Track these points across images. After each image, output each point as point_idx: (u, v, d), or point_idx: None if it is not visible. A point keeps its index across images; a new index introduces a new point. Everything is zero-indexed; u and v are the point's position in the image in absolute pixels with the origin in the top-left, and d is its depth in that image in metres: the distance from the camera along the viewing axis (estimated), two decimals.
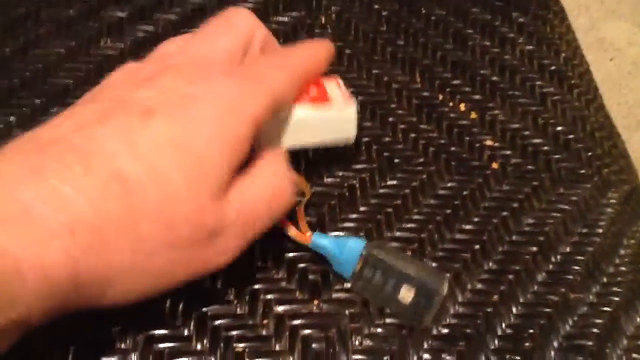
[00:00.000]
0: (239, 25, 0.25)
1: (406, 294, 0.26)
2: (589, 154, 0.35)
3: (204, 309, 0.27)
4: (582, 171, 0.34)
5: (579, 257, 0.31)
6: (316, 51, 0.28)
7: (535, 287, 0.30)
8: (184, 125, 0.21)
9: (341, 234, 0.30)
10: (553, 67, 0.39)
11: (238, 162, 0.22)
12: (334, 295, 0.28)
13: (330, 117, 0.28)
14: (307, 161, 0.32)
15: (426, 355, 0.27)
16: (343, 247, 0.27)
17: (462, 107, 0.36)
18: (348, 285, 0.28)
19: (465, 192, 0.32)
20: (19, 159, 0.19)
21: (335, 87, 0.29)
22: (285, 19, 0.38)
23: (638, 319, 0.30)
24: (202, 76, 0.22)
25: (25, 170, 0.18)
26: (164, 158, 0.20)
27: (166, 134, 0.20)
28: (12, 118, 0.32)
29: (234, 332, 0.26)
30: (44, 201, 0.18)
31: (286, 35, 0.37)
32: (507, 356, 0.27)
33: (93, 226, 0.19)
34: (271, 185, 0.24)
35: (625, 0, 0.96)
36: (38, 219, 0.18)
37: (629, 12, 0.94)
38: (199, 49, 0.24)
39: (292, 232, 0.28)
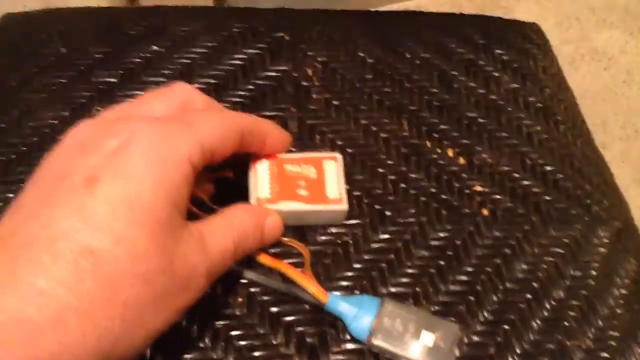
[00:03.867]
0: (175, 90, 0.27)
1: (428, 338, 0.28)
2: (578, 192, 0.35)
3: None
4: (573, 211, 0.35)
5: (573, 302, 0.31)
6: (266, 122, 0.29)
7: (531, 336, 0.30)
8: (128, 182, 0.21)
9: (337, 293, 0.30)
10: (539, 105, 0.39)
11: (183, 206, 0.23)
12: (332, 358, 0.28)
13: (323, 211, 0.31)
14: None
15: None
16: (360, 305, 0.28)
17: (450, 152, 0.36)
18: (349, 346, 0.29)
19: (457, 242, 0.33)
20: None
21: (332, 171, 0.31)
22: (272, 73, 0.39)
23: None
24: (131, 129, 0.23)
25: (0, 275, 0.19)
26: (120, 219, 0.21)
27: (115, 196, 0.21)
28: (10, 195, 0.32)
29: None
30: (26, 302, 0.19)
31: (273, 90, 0.38)
32: None
33: (78, 309, 0.19)
34: (233, 227, 0.26)
35: (615, 8, 0.96)
36: (25, 321, 0.18)
37: (619, 20, 0.94)
38: (134, 111, 0.26)
39: (312, 288, 0.29)
